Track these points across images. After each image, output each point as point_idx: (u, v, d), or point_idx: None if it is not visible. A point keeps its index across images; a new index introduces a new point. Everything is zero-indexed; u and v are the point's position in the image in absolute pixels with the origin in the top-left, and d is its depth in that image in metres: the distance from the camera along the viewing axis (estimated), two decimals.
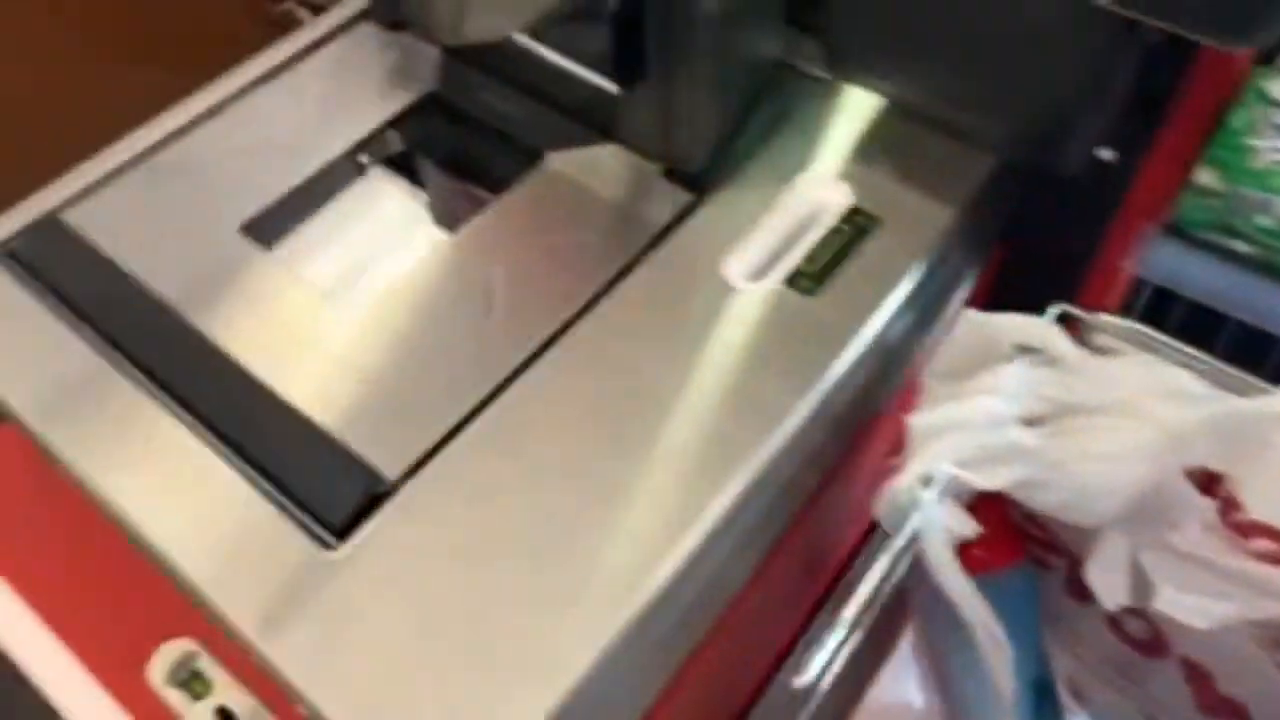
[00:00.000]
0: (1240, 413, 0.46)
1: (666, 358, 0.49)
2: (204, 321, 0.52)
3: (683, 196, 0.56)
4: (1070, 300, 0.52)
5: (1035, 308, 0.51)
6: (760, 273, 0.53)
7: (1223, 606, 0.49)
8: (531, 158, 0.59)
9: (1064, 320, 0.52)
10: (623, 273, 0.53)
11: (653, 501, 0.44)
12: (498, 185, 0.59)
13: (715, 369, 0.49)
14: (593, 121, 0.59)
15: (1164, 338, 0.50)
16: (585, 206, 0.57)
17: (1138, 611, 0.56)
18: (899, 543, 0.48)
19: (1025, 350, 0.51)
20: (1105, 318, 0.50)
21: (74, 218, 0.58)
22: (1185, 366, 0.49)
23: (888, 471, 0.52)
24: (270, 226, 0.58)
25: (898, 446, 0.52)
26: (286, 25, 0.72)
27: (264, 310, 0.53)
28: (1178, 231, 0.57)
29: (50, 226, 0.57)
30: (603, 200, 0.57)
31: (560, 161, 0.59)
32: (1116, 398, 0.48)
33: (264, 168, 0.59)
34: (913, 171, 0.56)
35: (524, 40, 0.61)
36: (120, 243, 0.56)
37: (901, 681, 0.72)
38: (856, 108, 0.59)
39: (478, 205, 0.59)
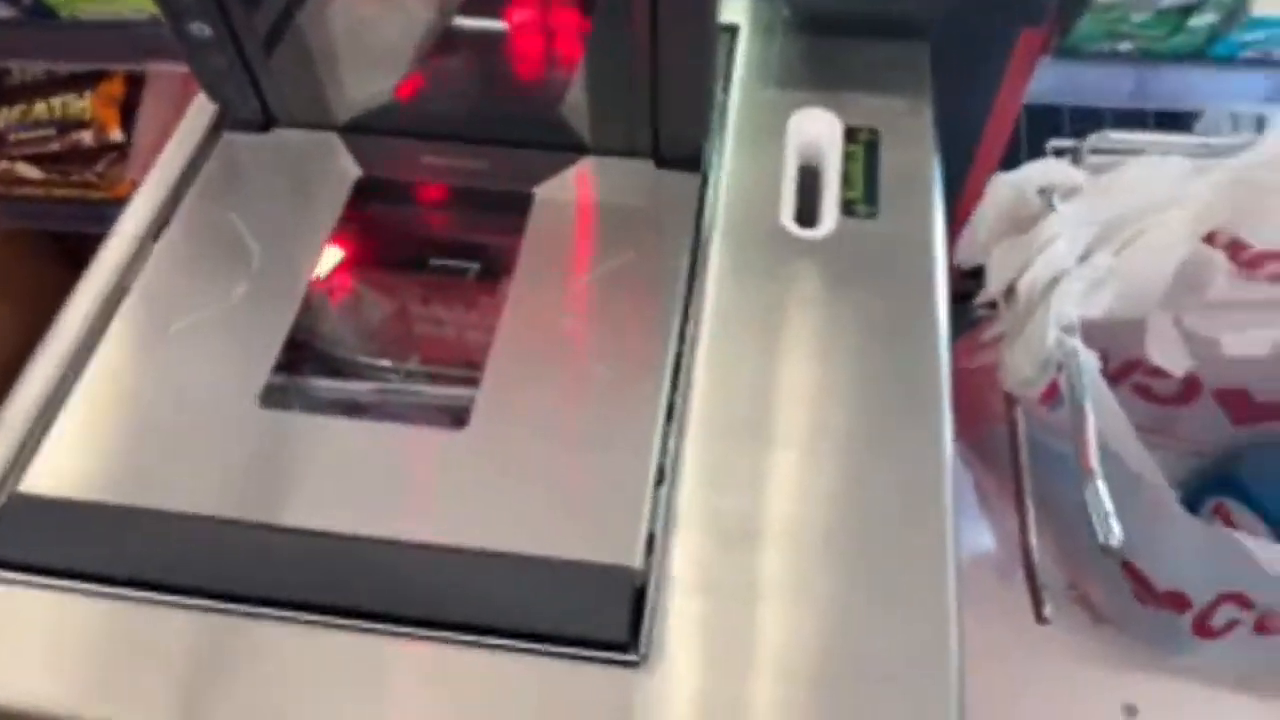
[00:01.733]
0: (1232, 168, 0.54)
1: (807, 328, 0.48)
2: (267, 511, 0.43)
3: (691, 179, 0.55)
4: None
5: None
6: (817, 216, 0.53)
7: (1269, 331, 0.59)
8: (519, 203, 0.55)
9: (1059, 154, 0.57)
10: (693, 270, 0.51)
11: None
12: (504, 239, 0.54)
13: (849, 318, 0.49)
14: (560, 142, 0.56)
15: (1143, 136, 0.57)
16: (607, 225, 0.54)
17: (1164, 372, 0.65)
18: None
19: (1045, 192, 0.56)
20: (1093, 139, 0.57)
21: (28, 483, 0.45)
22: (1168, 153, 0.56)
23: (985, 346, 0.56)
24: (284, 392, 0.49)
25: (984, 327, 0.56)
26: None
27: (334, 470, 0.45)
28: (1066, 52, 0.65)
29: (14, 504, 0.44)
30: (620, 212, 0.54)
31: (552, 193, 0.55)
32: (1138, 200, 0.55)
33: (237, 339, 0.49)
34: (872, 78, 0.59)
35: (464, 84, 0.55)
36: (96, 481, 0.44)
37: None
38: (789, 43, 0.61)
39: (496, 264, 0.54)
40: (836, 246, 0.51)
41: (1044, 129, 0.76)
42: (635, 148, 0.55)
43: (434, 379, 0.53)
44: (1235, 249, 0.57)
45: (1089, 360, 0.49)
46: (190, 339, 0.49)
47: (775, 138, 0.57)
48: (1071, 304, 0.50)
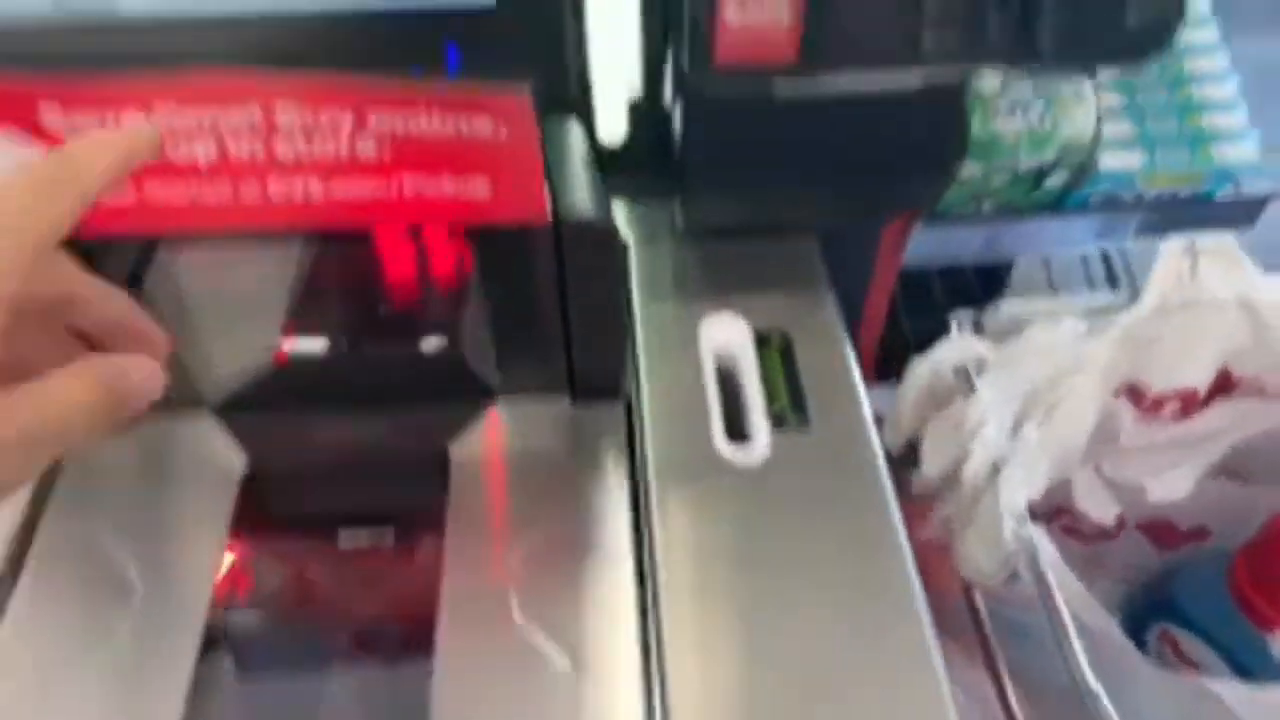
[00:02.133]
0: (1122, 325, 0.57)
1: (770, 561, 0.46)
2: None
3: (613, 409, 0.52)
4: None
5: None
6: (747, 434, 0.51)
7: (1183, 470, 0.61)
8: (434, 464, 0.50)
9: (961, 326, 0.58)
10: (636, 519, 0.48)
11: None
12: (424, 506, 0.49)
13: (810, 543, 0.46)
14: (466, 391, 0.52)
15: (1038, 304, 0.59)
16: (536, 474, 0.50)
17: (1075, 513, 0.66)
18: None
19: (960, 371, 0.56)
20: (995, 309, 0.58)
21: None
22: (1059, 315, 0.58)
23: (933, 532, 0.55)
24: None
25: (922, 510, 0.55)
26: None
27: None
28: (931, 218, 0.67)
29: None
30: (546, 456, 0.51)
31: (469, 447, 0.51)
32: (1046, 369, 0.56)
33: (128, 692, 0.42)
34: (771, 278, 0.58)
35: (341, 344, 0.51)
36: None
37: None
38: (682, 251, 0.60)
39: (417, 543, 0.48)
40: (776, 466, 0.49)
41: (912, 289, 0.79)
42: (549, 385, 0.52)
43: (373, 678, 0.47)
44: (1136, 396, 0.59)
45: (1048, 550, 0.48)
46: (72, 700, 0.41)
47: (687, 349, 0.55)
48: (1018, 492, 0.49)
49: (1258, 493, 0.64)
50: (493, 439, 0.51)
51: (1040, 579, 0.48)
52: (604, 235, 0.44)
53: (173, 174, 0.38)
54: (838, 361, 0.54)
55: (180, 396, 0.51)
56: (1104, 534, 0.69)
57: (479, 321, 0.50)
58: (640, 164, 0.60)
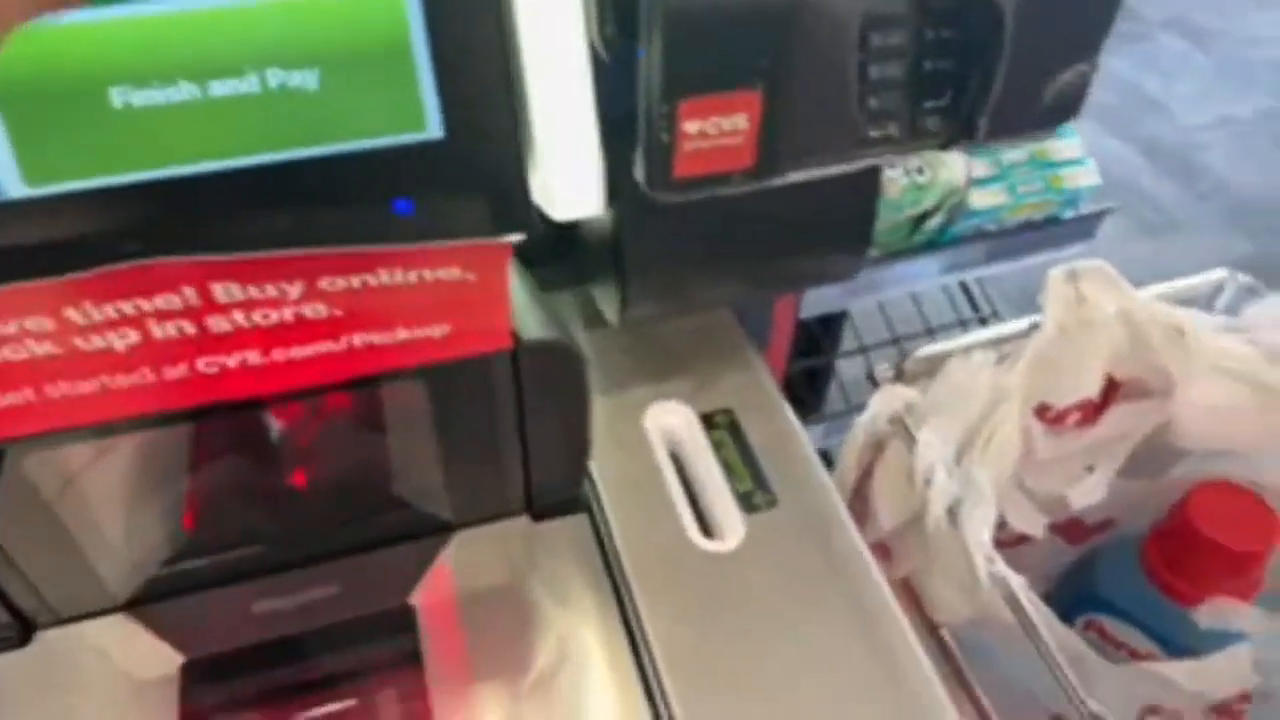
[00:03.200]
0: (1029, 349, 0.60)
1: (770, 649, 0.45)
2: None
3: (578, 522, 0.50)
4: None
5: None
6: (718, 525, 0.50)
7: (1096, 475, 0.65)
8: (399, 620, 0.46)
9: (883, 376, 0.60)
10: (630, 632, 0.46)
11: None
12: (396, 668, 0.44)
13: (808, 611, 0.46)
14: (416, 532, 0.48)
15: (951, 343, 0.61)
16: (510, 608, 0.47)
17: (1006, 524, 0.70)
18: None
19: (895, 421, 0.58)
20: (914, 357, 0.60)
21: None
22: (970, 352, 0.61)
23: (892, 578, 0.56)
24: None
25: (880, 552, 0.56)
26: None
27: None
28: None
29: None
30: (514, 585, 0.47)
31: (433, 594, 0.47)
32: (972, 407, 0.59)
33: None
34: (699, 355, 0.58)
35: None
36: None
37: None
38: (608, 341, 0.58)
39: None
40: (754, 549, 0.49)
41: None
42: (507, 509, 0.49)
43: None
44: (1044, 413, 0.63)
45: (1020, 582, 0.50)
46: None
47: (636, 443, 0.54)
48: (982, 530, 0.51)
49: (1147, 482, 0.70)
50: (456, 576, 0.48)
51: (1019, 611, 0.49)
52: (564, 353, 0.42)
53: (82, 365, 0.33)
54: (784, 428, 0.55)
55: (90, 602, 0.44)
56: (1019, 539, 0.73)
57: (425, 456, 0.47)
58: (537, 256, 0.59)
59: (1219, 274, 0.66)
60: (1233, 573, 0.62)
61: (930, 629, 0.58)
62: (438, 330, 0.37)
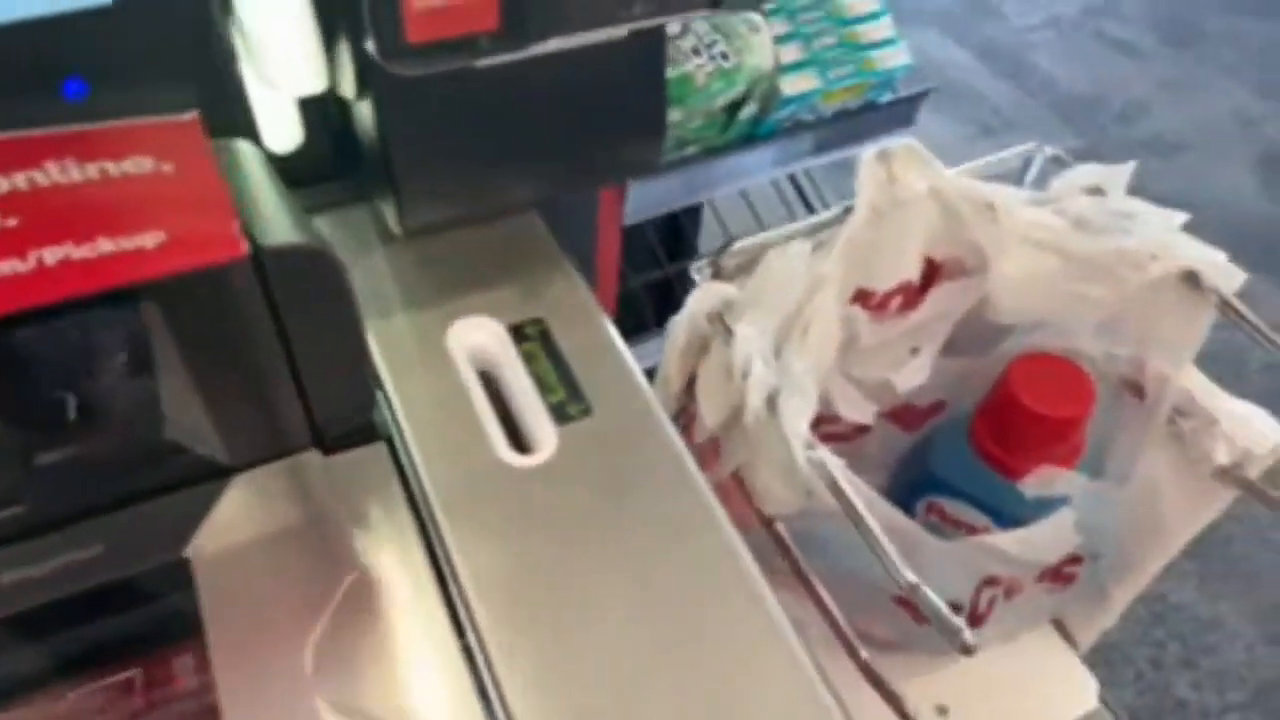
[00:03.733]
0: (844, 236, 0.59)
1: (584, 550, 0.42)
2: None
3: (377, 448, 0.46)
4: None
5: None
6: (530, 437, 0.47)
7: (920, 358, 0.65)
8: (172, 576, 0.41)
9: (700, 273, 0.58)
10: (437, 567, 0.42)
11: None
12: (172, 628, 0.40)
13: (624, 531, 0.44)
14: (191, 479, 0.43)
15: (767, 235, 0.59)
16: (295, 552, 0.43)
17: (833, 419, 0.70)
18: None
19: (714, 318, 0.56)
20: (726, 252, 0.58)
21: None
22: (790, 239, 0.60)
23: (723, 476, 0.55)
24: None
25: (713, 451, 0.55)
26: None
27: None
28: None
29: None
30: (306, 527, 0.43)
31: (213, 542, 0.42)
32: (788, 297, 0.57)
33: None
34: (505, 264, 0.54)
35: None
36: None
37: None
38: (401, 255, 0.54)
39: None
40: (569, 460, 0.46)
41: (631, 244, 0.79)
42: (291, 445, 0.45)
43: None
44: (866, 299, 0.63)
45: (838, 464, 0.49)
46: None
47: (440, 362, 0.50)
48: (800, 419, 0.50)
49: (972, 361, 0.71)
50: (237, 523, 0.43)
51: (840, 495, 0.49)
52: (317, 259, 0.38)
53: None
54: (600, 337, 0.52)
55: None
56: (858, 430, 0.73)
57: (179, 392, 0.42)
58: (320, 171, 0.53)
59: (1027, 147, 0.67)
60: (1054, 441, 0.64)
61: (766, 523, 0.58)
62: (150, 239, 0.32)
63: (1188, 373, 0.63)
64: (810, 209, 0.95)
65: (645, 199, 0.74)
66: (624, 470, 0.46)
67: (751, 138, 0.70)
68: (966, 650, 0.44)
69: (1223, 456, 0.60)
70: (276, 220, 0.37)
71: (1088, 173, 0.64)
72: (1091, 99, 2.09)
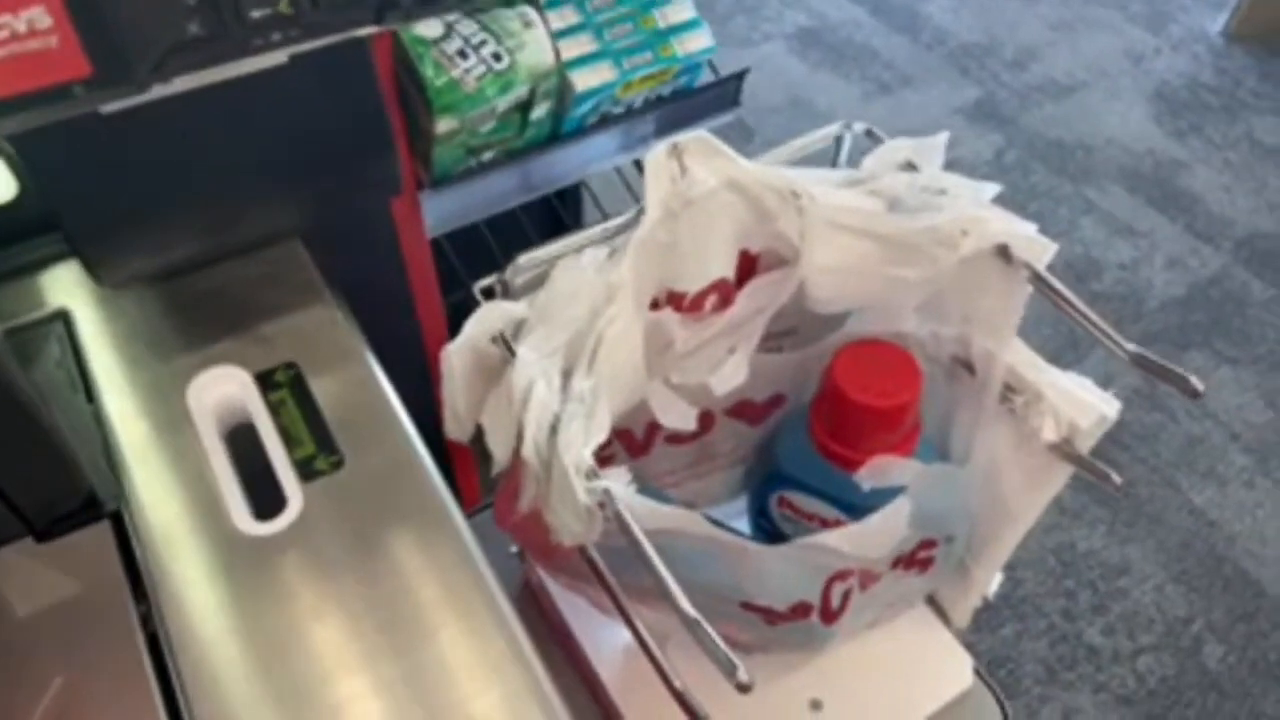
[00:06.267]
0: (634, 239, 0.55)
1: (303, 633, 0.39)
2: None
3: (99, 529, 0.42)
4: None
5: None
6: (269, 505, 0.43)
7: (735, 357, 0.62)
8: None
9: (489, 293, 0.54)
10: (159, 659, 0.39)
11: None
12: None
13: (349, 594, 0.40)
14: None
15: (554, 245, 0.56)
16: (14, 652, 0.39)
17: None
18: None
19: (498, 339, 0.52)
20: (510, 269, 0.54)
21: None
22: (582, 249, 0.56)
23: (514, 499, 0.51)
24: None
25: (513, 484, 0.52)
26: None
27: None
28: (436, 183, 0.62)
29: None
30: (16, 626, 0.39)
31: None
32: (579, 307, 0.54)
33: None
34: (265, 299, 0.50)
35: None
36: None
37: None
38: (142, 304, 0.49)
39: None
40: (312, 524, 0.42)
41: (472, 252, 0.75)
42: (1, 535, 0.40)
43: None
44: (677, 301, 0.59)
45: (622, 491, 0.46)
46: None
47: (179, 425, 0.45)
48: (581, 448, 0.47)
49: (806, 353, 0.69)
50: None
51: (624, 527, 0.46)
52: None
53: None
54: (359, 374, 0.48)
55: None
56: (701, 431, 0.71)
57: None
58: (49, 221, 0.48)
59: (835, 128, 0.64)
60: (883, 429, 0.61)
61: (580, 549, 0.55)
62: None
63: (1015, 348, 0.61)
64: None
65: (472, 202, 0.69)
66: (371, 526, 0.42)
67: (562, 136, 0.66)
68: (741, 689, 0.41)
69: (1050, 433, 0.58)
70: None
71: (899, 148, 0.61)
72: (985, 47, 2.08)
